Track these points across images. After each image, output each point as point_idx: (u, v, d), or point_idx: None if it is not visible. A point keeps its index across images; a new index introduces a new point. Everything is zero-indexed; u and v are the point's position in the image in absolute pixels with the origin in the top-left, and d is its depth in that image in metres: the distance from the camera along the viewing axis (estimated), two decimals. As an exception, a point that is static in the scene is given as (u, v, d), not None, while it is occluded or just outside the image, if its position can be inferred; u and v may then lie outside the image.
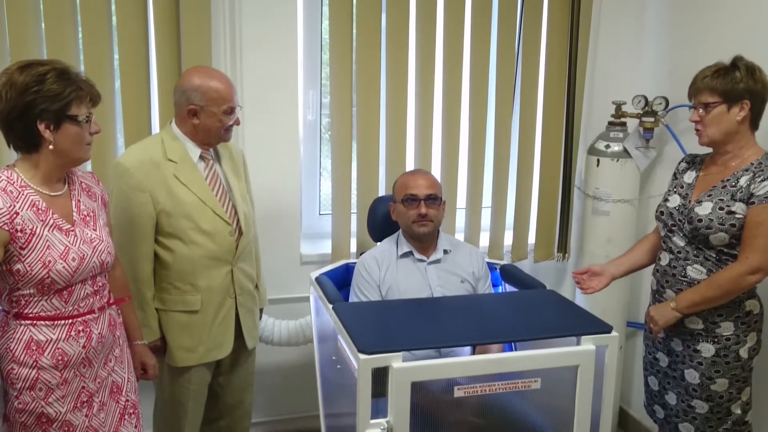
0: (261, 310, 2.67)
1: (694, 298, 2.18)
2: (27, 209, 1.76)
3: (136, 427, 2.07)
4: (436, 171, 3.03)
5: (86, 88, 1.82)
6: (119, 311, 2.06)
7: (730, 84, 2.12)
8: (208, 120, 2.24)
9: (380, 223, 2.72)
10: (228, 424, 2.59)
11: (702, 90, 2.17)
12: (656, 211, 2.38)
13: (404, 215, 2.53)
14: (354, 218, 3.04)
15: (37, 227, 1.77)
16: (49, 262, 1.77)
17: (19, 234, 1.74)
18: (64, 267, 1.79)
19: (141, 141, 2.35)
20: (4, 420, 1.86)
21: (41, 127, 1.74)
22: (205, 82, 2.22)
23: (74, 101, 1.78)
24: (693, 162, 2.36)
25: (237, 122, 2.31)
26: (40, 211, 1.78)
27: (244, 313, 2.41)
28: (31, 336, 1.80)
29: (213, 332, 2.33)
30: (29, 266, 1.76)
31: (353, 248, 3.04)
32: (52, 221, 1.80)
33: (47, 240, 1.78)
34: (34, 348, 1.80)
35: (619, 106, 3.06)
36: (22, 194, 1.77)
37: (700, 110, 2.18)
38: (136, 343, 2.17)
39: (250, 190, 2.53)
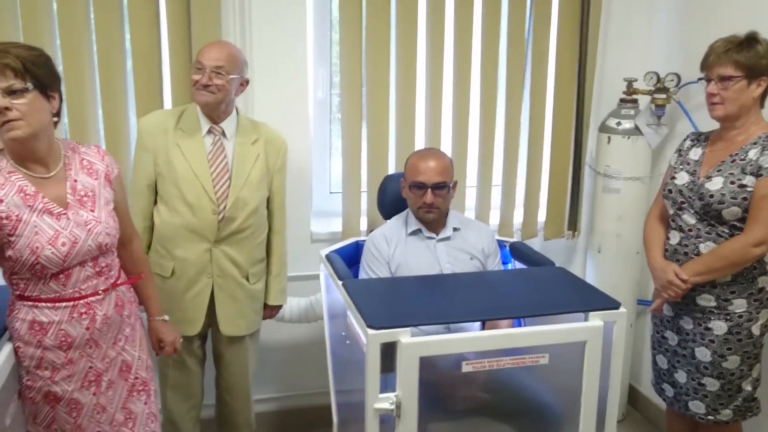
0: (278, 307, 2.62)
1: (699, 267, 2.19)
2: (13, 195, 1.73)
3: (145, 403, 2.02)
4: (447, 149, 3.02)
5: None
6: (130, 289, 2.03)
7: (754, 59, 2.10)
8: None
9: (390, 201, 2.72)
10: (230, 400, 2.62)
11: (724, 63, 2.13)
12: (664, 190, 2.36)
13: (411, 199, 2.52)
14: (364, 196, 3.04)
15: (23, 213, 1.73)
16: (37, 248, 1.73)
17: (5, 221, 1.71)
18: (53, 252, 1.75)
19: (169, 108, 2.50)
20: (18, 396, 1.86)
21: None
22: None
23: None
24: (698, 139, 2.35)
25: (195, 81, 2.24)
26: (27, 197, 1.75)
27: (223, 297, 2.39)
28: (34, 317, 1.80)
29: (183, 305, 2.36)
30: (18, 253, 1.73)
31: (363, 226, 3.05)
32: (41, 205, 1.76)
33: (35, 225, 1.74)
34: (38, 328, 1.80)
35: (630, 82, 3.03)
36: (9, 180, 1.74)
37: (717, 83, 2.15)
38: (154, 319, 2.15)
39: (283, 183, 2.50)
